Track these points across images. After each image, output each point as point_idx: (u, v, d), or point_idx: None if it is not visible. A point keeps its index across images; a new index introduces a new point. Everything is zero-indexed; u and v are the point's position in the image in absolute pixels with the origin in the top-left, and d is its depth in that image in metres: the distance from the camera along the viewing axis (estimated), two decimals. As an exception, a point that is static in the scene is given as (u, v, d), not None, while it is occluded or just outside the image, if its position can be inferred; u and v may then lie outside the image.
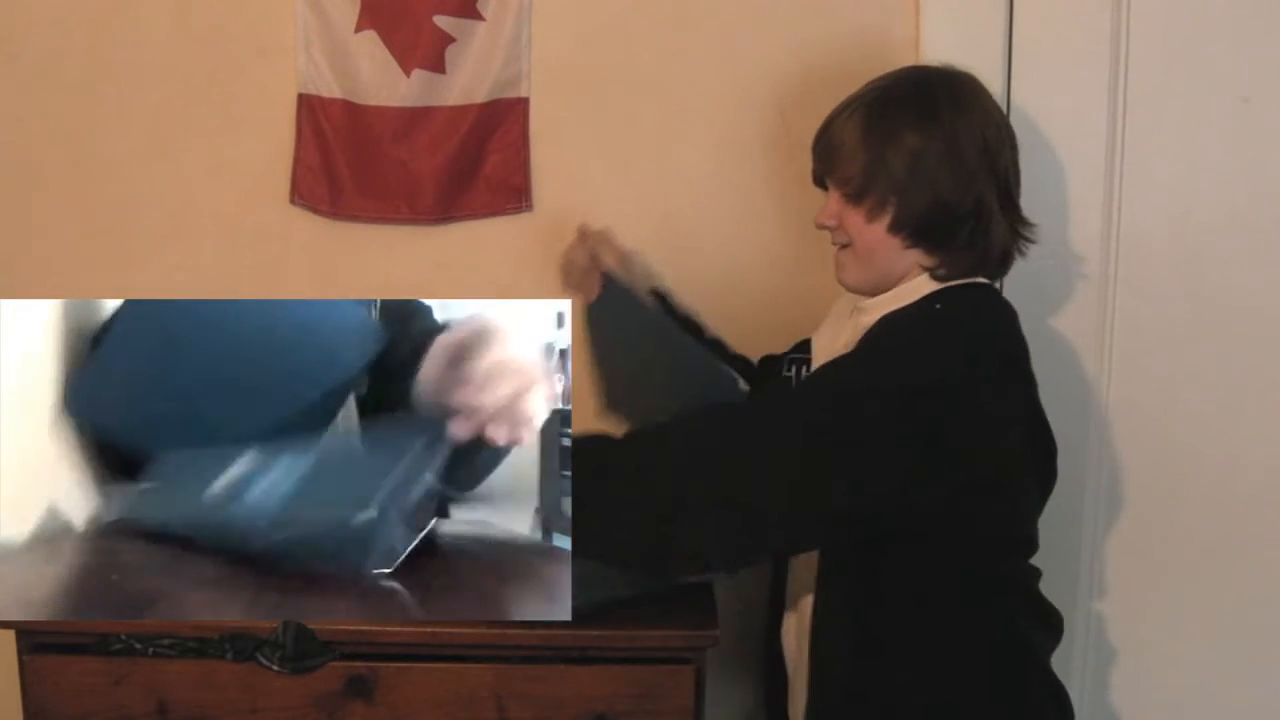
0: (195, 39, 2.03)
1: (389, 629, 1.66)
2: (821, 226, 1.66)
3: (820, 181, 1.68)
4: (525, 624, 1.66)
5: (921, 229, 1.59)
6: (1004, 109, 1.98)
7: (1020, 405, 1.58)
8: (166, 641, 1.63)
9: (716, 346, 1.93)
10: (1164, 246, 2.02)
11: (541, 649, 1.65)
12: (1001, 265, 1.65)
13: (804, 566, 1.65)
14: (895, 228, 1.59)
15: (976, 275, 1.63)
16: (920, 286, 1.61)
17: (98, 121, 2.06)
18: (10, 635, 1.66)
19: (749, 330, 1.95)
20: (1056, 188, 2.02)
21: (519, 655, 1.65)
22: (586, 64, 2.04)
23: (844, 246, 1.65)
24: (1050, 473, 1.68)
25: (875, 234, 1.60)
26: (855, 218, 1.61)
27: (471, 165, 2.06)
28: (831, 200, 1.64)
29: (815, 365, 1.73)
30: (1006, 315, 1.63)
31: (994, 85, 1.98)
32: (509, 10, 2.01)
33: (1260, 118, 1.98)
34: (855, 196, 1.60)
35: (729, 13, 2.02)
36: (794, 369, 1.78)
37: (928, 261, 1.61)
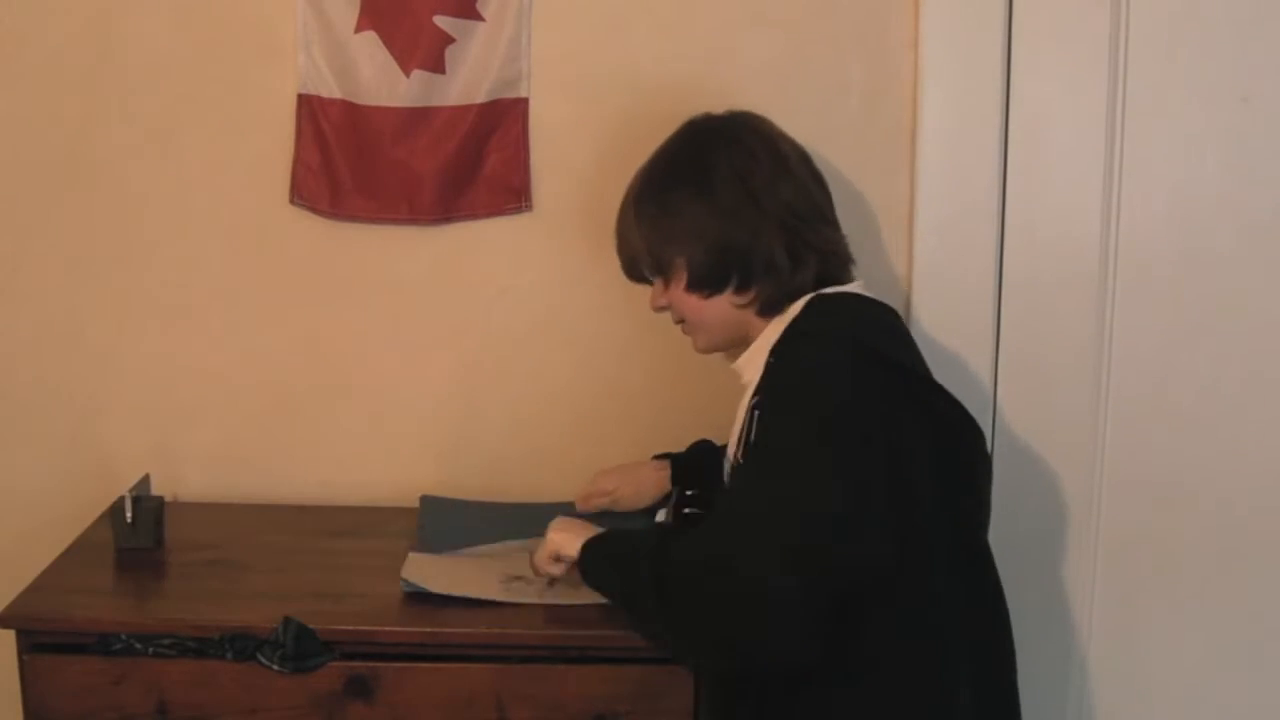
0: (195, 39, 2.03)
1: (389, 629, 1.66)
2: (656, 309, 1.77)
3: (638, 278, 1.80)
4: (525, 624, 1.66)
5: (712, 279, 1.68)
6: (1004, 110, 1.99)
7: (880, 391, 1.55)
8: (166, 641, 1.63)
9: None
10: (1164, 246, 2.02)
11: (541, 649, 1.65)
12: (830, 272, 1.69)
13: None
14: (692, 287, 1.69)
15: (805, 293, 1.67)
16: (766, 338, 1.67)
17: (98, 121, 2.06)
18: (10, 635, 1.66)
19: (749, 330, 1.95)
20: (1056, 188, 2.02)
21: (519, 655, 1.65)
22: (586, 64, 2.04)
23: (681, 321, 1.76)
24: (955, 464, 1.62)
25: (687, 299, 1.71)
26: (672, 293, 1.73)
27: (471, 165, 2.06)
28: (655, 286, 1.76)
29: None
30: (846, 315, 1.65)
31: (994, 85, 1.99)
32: (509, 10, 2.01)
33: (1260, 118, 1.98)
34: (659, 274, 1.73)
35: (729, 13, 2.02)
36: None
37: (740, 301, 1.69)
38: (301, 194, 2.07)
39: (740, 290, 1.68)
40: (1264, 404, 2.03)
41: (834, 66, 1.99)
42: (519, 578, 1.74)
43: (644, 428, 2.00)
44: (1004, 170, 2.01)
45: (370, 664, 1.63)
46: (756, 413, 1.54)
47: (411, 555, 1.81)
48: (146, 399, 2.12)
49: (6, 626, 1.66)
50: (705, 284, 1.69)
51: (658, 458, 1.99)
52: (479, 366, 2.12)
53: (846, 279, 1.72)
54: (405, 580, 1.72)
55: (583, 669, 1.64)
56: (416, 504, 2.06)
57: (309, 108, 2.04)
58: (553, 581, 1.71)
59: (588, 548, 1.65)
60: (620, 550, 1.63)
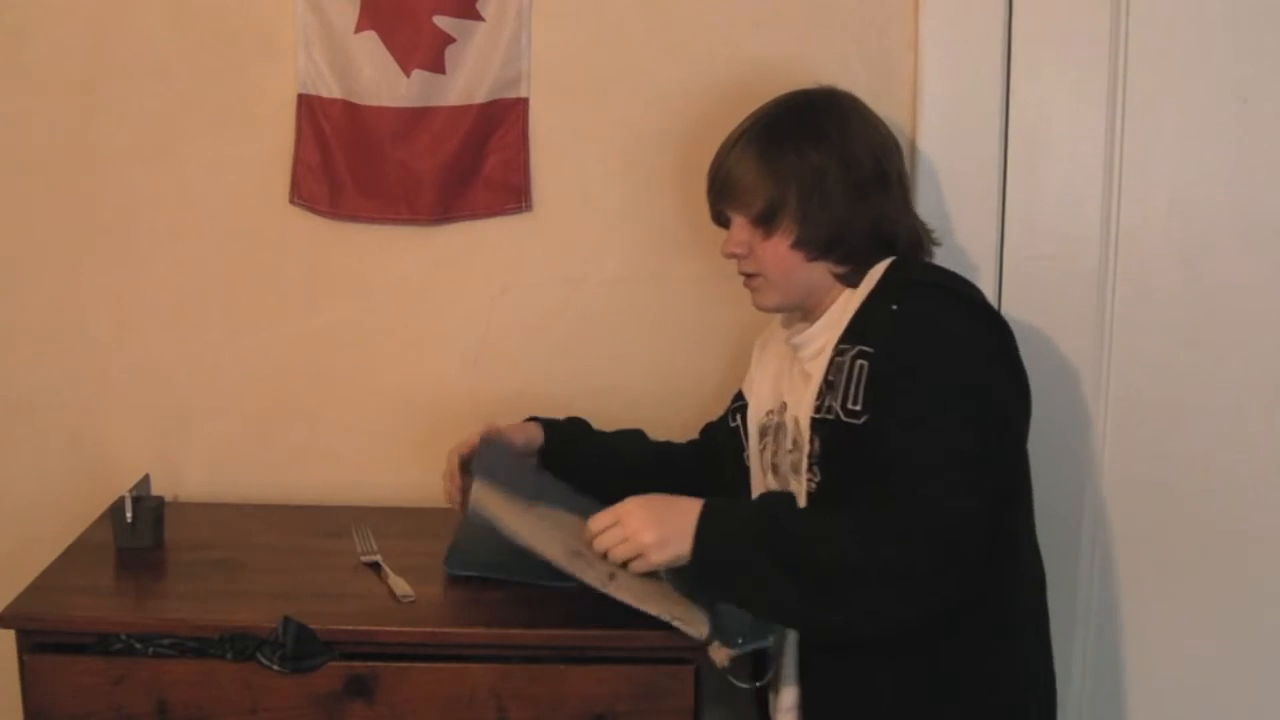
0: (195, 39, 2.03)
1: (389, 629, 1.66)
2: (730, 255, 1.71)
3: (719, 217, 1.73)
4: (525, 624, 1.66)
5: (826, 244, 1.65)
6: (1004, 110, 1.99)
7: (997, 340, 1.62)
8: (166, 641, 1.63)
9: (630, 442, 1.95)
10: (1163, 245, 2.02)
11: (541, 649, 1.65)
12: (913, 252, 1.71)
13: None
14: (800, 245, 1.65)
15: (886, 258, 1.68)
16: (842, 308, 1.66)
17: (98, 121, 2.06)
18: (10, 635, 1.66)
19: (750, 327, 1.95)
20: (1056, 187, 2.02)
21: (519, 655, 1.65)
22: (586, 64, 2.04)
23: (751, 276, 1.71)
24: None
25: (784, 255, 1.66)
26: (763, 244, 1.67)
27: (471, 165, 2.06)
28: (738, 229, 1.69)
29: (755, 408, 1.77)
30: (949, 273, 1.69)
31: (994, 85, 1.99)
32: (509, 10, 2.01)
33: (1259, 118, 1.98)
34: (761, 223, 1.66)
35: (729, 13, 2.02)
36: (738, 418, 1.82)
37: (838, 270, 1.67)
38: (301, 194, 2.07)
39: (842, 260, 1.66)
40: (1264, 403, 2.03)
41: (834, 66, 1.99)
42: (580, 554, 1.60)
43: (644, 427, 2.00)
44: (1004, 170, 2.01)
45: (370, 664, 1.63)
46: (862, 363, 1.56)
47: (478, 483, 1.66)
48: (146, 399, 2.12)
49: (6, 626, 1.66)
50: (814, 246, 1.65)
51: (531, 420, 1.92)
52: (479, 366, 2.12)
53: (927, 254, 1.74)
54: (474, 509, 1.62)
55: (583, 669, 1.64)
56: (416, 504, 2.06)
57: (309, 108, 2.04)
58: (614, 575, 1.58)
59: (704, 546, 1.52)
60: (752, 532, 1.51)
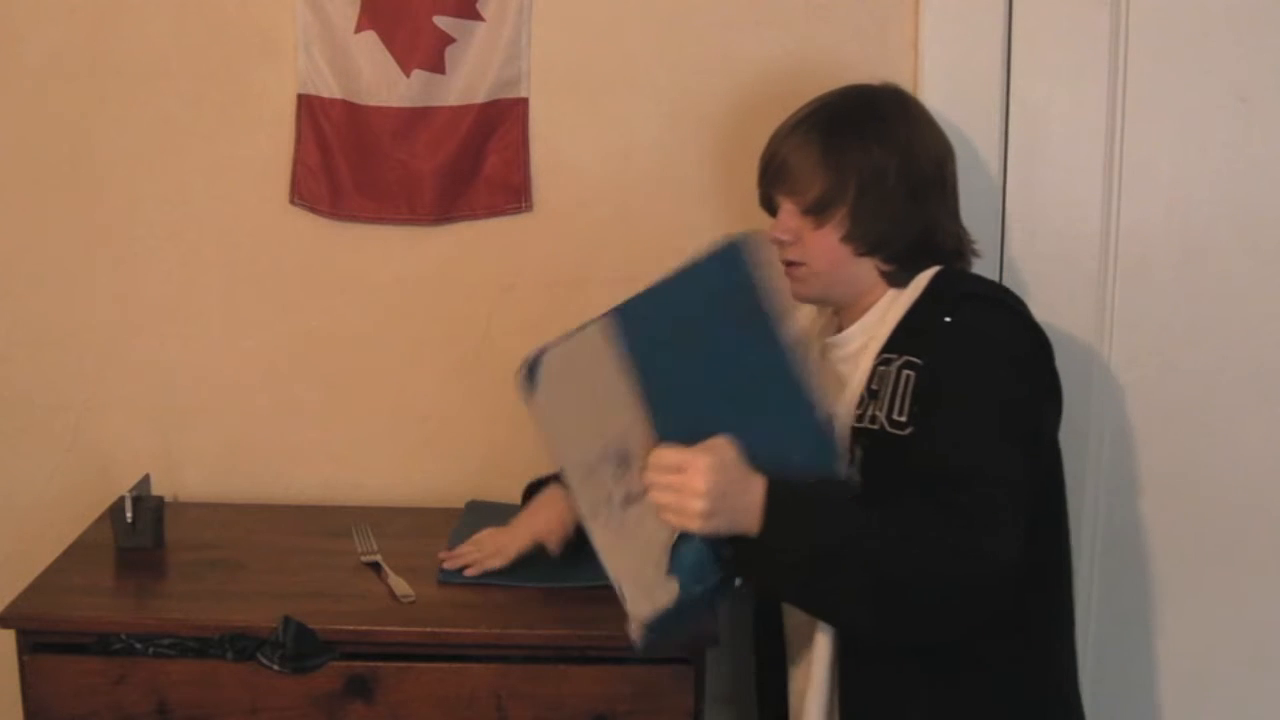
0: (195, 39, 2.03)
1: (389, 629, 1.66)
2: (775, 242, 1.66)
3: (767, 202, 1.70)
4: (525, 624, 1.66)
5: (876, 242, 1.62)
6: (1004, 110, 1.99)
7: (1043, 354, 1.62)
8: (166, 641, 1.63)
9: None
10: (1164, 245, 2.02)
11: (541, 649, 1.65)
12: (955, 259, 1.68)
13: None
14: (851, 239, 1.62)
15: (931, 264, 1.65)
16: (888, 307, 1.63)
17: (98, 121, 2.06)
18: (10, 635, 1.66)
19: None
20: (1056, 187, 2.02)
21: (519, 655, 1.65)
22: (586, 64, 2.04)
23: (794, 264, 1.66)
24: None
25: (833, 247, 1.62)
26: (812, 234, 1.63)
27: (471, 165, 2.06)
28: (787, 216, 1.65)
29: None
30: (998, 286, 1.69)
31: (994, 85, 1.99)
32: (509, 10, 2.01)
33: (1259, 118, 1.98)
34: (813, 213, 1.62)
35: (728, 13, 2.02)
36: None
37: (885, 267, 1.64)
38: (302, 194, 2.07)
39: (890, 259, 1.63)
40: (1263, 402, 2.03)
41: (834, 66, 1.99)
42: (596, 470, 1.48)
43: (644, 428, 2.00)
44: (1004, 170, 2.01)
45: (370, 664, 1.63)
46: (909, 373, 1.53)
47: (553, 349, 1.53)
48: (146, 399, 2.12)
49: (6, 626, 1.66)
50: (864, 242, 1.61)
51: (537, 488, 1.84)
52: (479, 366, 2.12)
53: (968, 264, 1.71)
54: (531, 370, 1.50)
55: (583, 669, 1.64)
56: (416, 504, 2.06)
57: (309, 108, 2.04)
58: (611, 502, 1.47)
59: (772, 531, 1.43)
60: (822, 527, 1.44)
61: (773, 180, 1.67)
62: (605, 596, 1.69)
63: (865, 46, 2.02)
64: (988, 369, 1.53)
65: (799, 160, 1.63)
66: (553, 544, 1.78)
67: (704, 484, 1.39)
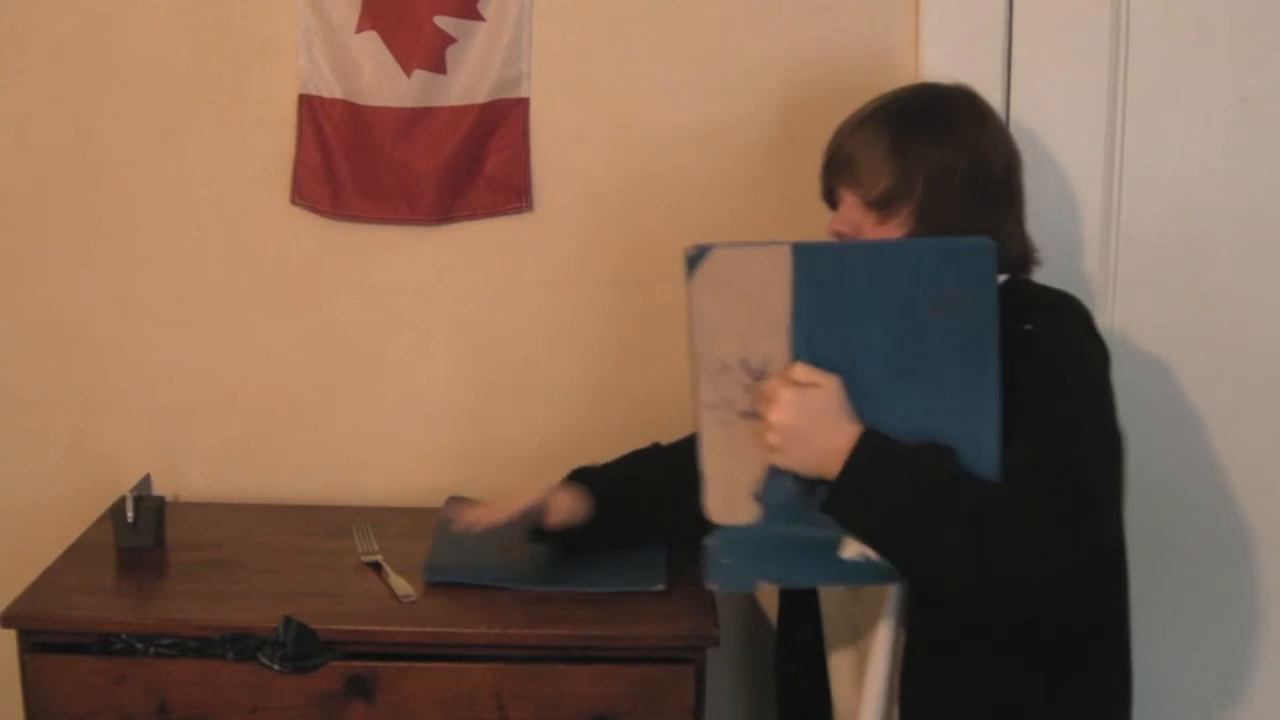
0: (195, 39, 2.04)
1: (389, 629, 1.66)
2: (836, 235, 1.63)
3: (829, 194, 1.66)
4: (525, 624, 1.66)
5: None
6: (1004, 110, 1.99)
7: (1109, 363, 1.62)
8: (167, 641, 1.63)
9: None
10: (1164, 246, 2.02)
11: (541, 649, 1.65)
12: (1020, 268, 1.65)
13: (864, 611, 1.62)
14: (915, 237, 1.58)
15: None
16: None
17: (98, 121, 2.06)
18: (11, 635, 1.66)
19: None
20: (1056, 188, 2.02)
21: (519, 655, 1.65)
22: (586, 64, 2.04)
23: None
24: None
25: None
26: (875, 229, 1.59)
27: (471, 165, 2.06)
28: (849, 209, 1.62)
29: None
30: (1064, 291, 1.66)
31: (994, 87, 1.99)
32: (509, 10, 2.01)
33: (1259, 118, 1.98)
34: (877, 207, 1.59)
35: (729, 14, 2.02)
36: None
37: None
38: (302, 194, 2.07)
39: None
40: (1264, 402, 2.04)
41: (834, 67, 1.99)
42: (729, 369, 1.45)
43: (644, 428, 2.00)
44: (1004, 170, 2.01)
45: (370, 664, 1.63)
46: None
47: None
48: (147, 399, 2.13)
49: (7, 626, 1.66)
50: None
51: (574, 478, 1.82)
52: (479, 366, 2.12)
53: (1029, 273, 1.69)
54: None
55: (583, 669, 1.64)
56: (415, 504, 2.06)
57: (310, 108, 2.04)
58: (729, 406, 1.46)
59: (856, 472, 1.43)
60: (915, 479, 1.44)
61: (837, 172, 1.64)
62: (605, 598, 1.70)
63: (865, 46, 2.02)
64: (1079, 372, 1.53)
65: (866, 153, 1.60)
66: (552, 518, 1.75)
67: (778, 417, 1.43)
